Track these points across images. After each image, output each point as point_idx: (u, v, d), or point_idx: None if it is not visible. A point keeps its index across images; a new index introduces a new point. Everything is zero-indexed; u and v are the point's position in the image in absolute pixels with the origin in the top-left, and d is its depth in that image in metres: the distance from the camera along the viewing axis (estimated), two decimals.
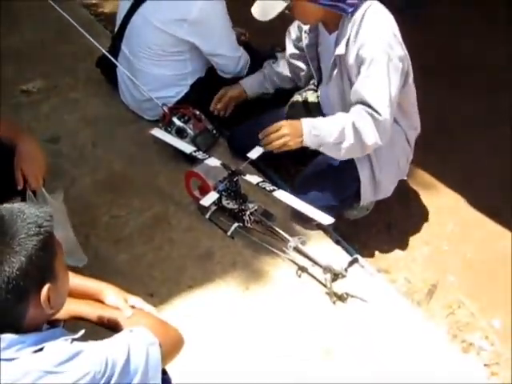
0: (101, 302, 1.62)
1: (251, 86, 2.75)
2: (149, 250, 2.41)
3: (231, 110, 2.81)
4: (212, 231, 2.45)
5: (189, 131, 2.67)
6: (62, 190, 2.33)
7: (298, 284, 2.27)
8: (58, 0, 3.99)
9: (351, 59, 2.20)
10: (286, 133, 2.22)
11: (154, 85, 2.83)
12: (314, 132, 2.21)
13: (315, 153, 2.48)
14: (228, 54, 2.79)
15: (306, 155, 2.52)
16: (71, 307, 1.51)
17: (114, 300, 1.62)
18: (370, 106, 2.17)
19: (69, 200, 2.53)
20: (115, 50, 2.95)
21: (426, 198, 2.85)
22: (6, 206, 1.28)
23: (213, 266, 2.35)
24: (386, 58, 2.13)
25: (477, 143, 3.08)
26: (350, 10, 2.15)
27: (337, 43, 2.23)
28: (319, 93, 2.56)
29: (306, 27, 2.41)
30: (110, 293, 1.66)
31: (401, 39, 2.21)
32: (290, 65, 2.67)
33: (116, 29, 2.97)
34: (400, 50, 2.18)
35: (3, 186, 1.96)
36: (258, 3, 2.24)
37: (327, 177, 2.43)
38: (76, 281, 1.58)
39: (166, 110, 2.72)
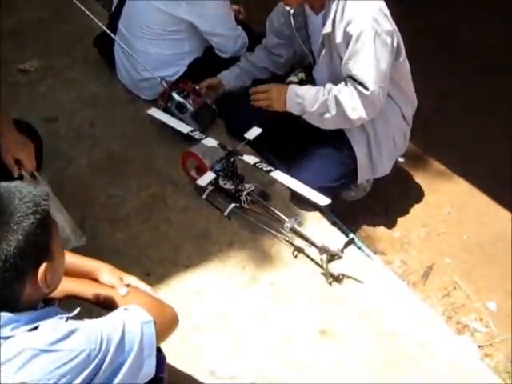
0: (96, 280, 1.62)
1: (229, 79, 2.73)
2: (145, 230, 2.40)
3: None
4: (209, 211, 2.45)
5: (188, 107, 2.64)
6: (45, 175, 2.28)
7: (294, 264, 2.28)
8: None
9: (339, 37, 2.19)
10: (273, 95, 2.36)
11: (151, 64, 2.80)
12: (297, 99, 2.32)
13: (312, 134, 2.50)
14: (226, 32, 2.77)
15: (303, 136, 2.52)
16: (66, 286, 1.50)
17: (110, 278, 1.62)
18: (356, 80, 2.20)
19: (66, 180, 2.55)
20: (112, 29, 2.93)
21: (423, 180, 2.86)
22: (3, 184, 1.27)
23: (209, 246, 2.35)
24: (373, 32, 2.13)
25: (476, 128, 3.08)
26: None
27: (324, 22, 2.23)
28: (314, 74, 2.54)
29: (293, 10, 2.37)
30: (106, 271, 1.66)
31: (389, 14, 2.20)
32: (270, 54, 2.66)
33: (113, 7, 2.96)
34: (388, 24, 2.17)
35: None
36: None
37: (324, 157, 2.43)
38: (72, 259, 1.57)
39: (166, 86, 2.69)
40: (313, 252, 2.24)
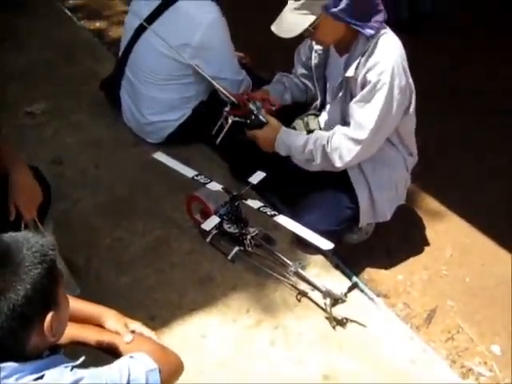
0: (101, 326, 1.64)
1: (274, 94, 2.66)
2: (150, 273, 2.42)
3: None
4: (213, 255, 2.47)
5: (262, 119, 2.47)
6: (51, 221, 2.32)
7: (298, 308, 2.29)
8: (65, 23, 4.11)
9: (357, 81, 2.25)
10: (260, 143, 2.46)
11: (157, 108, 2.87)
12: (285, 147, 2.41)
13: (315, 179, 2.54)
14: (230, 77, 2.81)
15: (306, 180, 2.56)
16: (71, 332, 1.52)
17: (114, 325, 1.63)
18: (354, 127, 2.26)
19: (71, 221, 2.58)
20: (119, 73, 2.99)
21: (425, 222, 2.88)
22: (11, 234, 1.30)
23: (213, 289, 2.37)
24: (388, 85, 2.18)
25: (476, 167, 3.12)
26: (370, 32, 2.19)
27: (347, 65, 2.28)
28: (322, 115, 2.58)
29: (317, 47, 2.45)
30: (110, 317, 1.67)
31: (407, 67, 2.26)
32: (298, 81, 2.70)
33: (120, 53, 3.02)
34: (404, 79, 2.23)
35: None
36: (281, 19, 2.25)
37: (327, 201, 2.47)
38: (76, 305, 1.59)
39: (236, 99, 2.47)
40: (316, 296, 2.25)
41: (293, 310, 2.28)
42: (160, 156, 2.53)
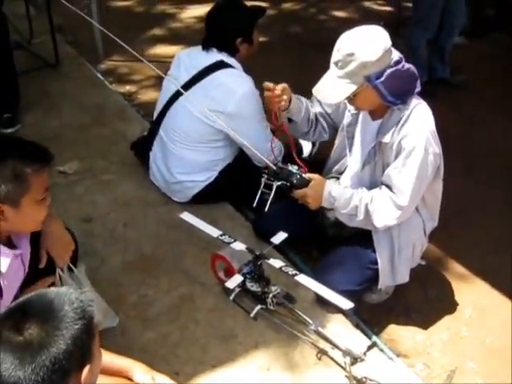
0: (129, 379, 1.69)
1: (293, 103, 2.63)
2: (174, 329, 2.47)
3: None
4: (235, 312, 2.52)
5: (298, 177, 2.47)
6: (83, 263, 2.43)
7: (318, 366, 2.32)
8: (96, 86, 4.30)
9: (392, 147, 2.34)
10: (309, 200, 2.43)
11: (186, 169, 2.99)
12: (331, 200, 2.43)
13: (336, 236, 2.61)
14: (259, 146, 2.86)
15: (327, 240, 2.64)
16: None
17: (142, 378, 1.69)
18: (395, 192, 2.33)
19: (99, 279, 2.64)
20: (153, 134, 3.13)
21: (444, 282, 2.91)
22: (54, 289, 1.37)
23: (235, 346, 2.41)
24: (423, 152, 2.28)
25: (495, 230, 3.18)
26: (403, 107, 2.31)
27: (381, 131, 2.38)
28: (344, 176, 2.65)
29: (350, 106, 2.53)
30: (139, 370, 1.74)
31: (437, 137, 2.35)
32: (317, 121, 2.76)
33: (156, 113, 3.14)
34: (437, 147, 2.33)
35: (35, 264, 2.08)
36: (323, 84, 2.35)
37: (348, 261, 2.53)
38: (106, 358, 1.64)
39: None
40: (336, 354, 2.28)
41: (313, 368, 2.31)
42: (186, 216, 2.62)
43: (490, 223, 3.24)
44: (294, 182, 2.41)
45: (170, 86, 3.01)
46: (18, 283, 2.01)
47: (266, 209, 2.44)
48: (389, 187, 2.37)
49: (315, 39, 5.27)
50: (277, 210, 2.56)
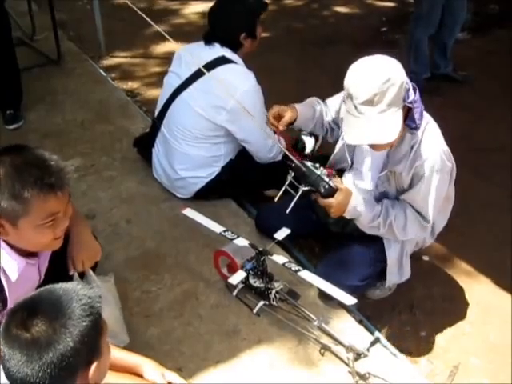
0: (139, 375, 1.70)
1: (301, 115, 2.59)
2: (178, 326, 2.48)
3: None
4: (239, 308, 2.53)
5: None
6: (112, 272, 2.48)
7: (321, 362, 2.32)
8: (99, 82, 4.30)
9: (407, 174, 2.30)
10: (333, 211, 2.34)
11: (188, 165, 2.99)
12: (356, 213, 2.37)
13: (339, 233, 2.61)
14: (260, 142, 2.92)
15: (330, 236, 2.63)
16: (111, 381, 1.58)
17: (152, 374, 1.70)
18: (419, 212, 2.36)
19: (102, 275, 2.64)
20: (155, 130, 3.13)
21: (447, 278, 2.91)
22: (62, 285, 1.37)
23: (239, 342, 2.41)
24: (439, 175, 2.28)
25: (499, 226, 3.18)
26: (415, 131, 2.23)
27: (392, 160, 2.31)
28: (348, 176, 2.59)
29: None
30: (149, 367, 1.74)
31: (449, 150, 2.34)
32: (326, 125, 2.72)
33: (158, 110, 3.15)
34: (450, 163, 2.32)
35: (57, 268, 2.04)
36: (362, 131, 2.11)
37: (350, 258, 2.54)
38: (116, 354, 1.65)
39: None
40: (340, 350, 2.29)
41: (316, 363, 2.32)
42: (189, 212, 2.62)
43: (494, 220, 3.24)
44: (322, 191, 2.29)
45: (172, 82, 3.02)
46: (29, 291, 1.97)
47: (288, 210, 2.33)
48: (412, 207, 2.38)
49: (318, 35, 5.26)
50: (280, 206, 2.56)
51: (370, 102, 2.06)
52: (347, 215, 2.38)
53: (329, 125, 2.69)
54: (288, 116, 2.51)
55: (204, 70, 2.51)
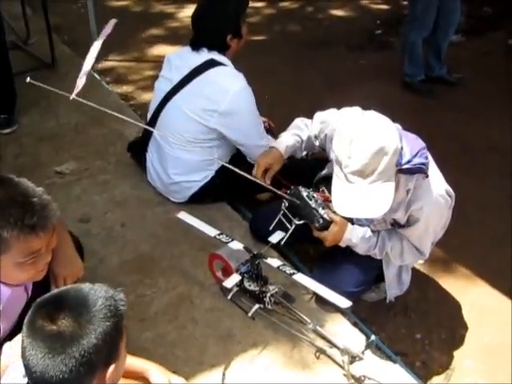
0: (145, 380, 1.70)
1: (286, 149, 2.59)
2: (172, 329, 2.47)
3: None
4: (233, 312, 2.52)
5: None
6: None
7: (316, 365, 2.32)
8: (93, 86, 4.29)
9: (402, 215, 2.27)
10: (328, 242, 2.36)
11: (181, 169, 2.98)
12: (350, 244, 2.39)
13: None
14: (253, 143, 2.92)
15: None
16: None
17: (159, 379, 1.70)
18: (416, 247, 2.39)
19: (97, 279, 2.59)
20: (147, 135, 3.13)
21: (442, 280, 2.92)
22: (88, 285, 1.41)
23: (234, 345, 2.41)
24: (436, 217, 2.30)
25: (492, 228, 3.19)
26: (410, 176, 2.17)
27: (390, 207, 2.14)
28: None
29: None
30: (156, 372, 1.75)
31: (444, 180, 2.31)
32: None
33: (149, 115, 3.15)
34: (449, 201, 2.30)
35: (44, 284, 2.01)
36: (354, 202, 2.06)
37: (346, 264, 2.53)
38: None
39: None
40: (335, 353, 2.29)
41: (311, 367, 2.31)
42: (183, 215, 2.62)
43: (490, 221, 3.25)
44: (317, 225, 2.26)
45: (163, 86, 3.01)
46: (19, 311, 1.95)
47: (282, 242, 2.35)
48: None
49: (313, 38, 5.27)
50: (274, 209, 2.56)
51: (361, 173, 2.01)
52: (342, 245, 2.40)
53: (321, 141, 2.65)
54: (274, 170, 2.57)
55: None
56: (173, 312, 2.55)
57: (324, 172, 2.55)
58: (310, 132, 2.61)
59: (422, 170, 2.12)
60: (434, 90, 4.41)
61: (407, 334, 2.65)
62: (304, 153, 2.72)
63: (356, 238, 2.37)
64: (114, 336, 1.35)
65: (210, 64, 2.86)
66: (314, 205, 2.27)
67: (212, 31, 2.87)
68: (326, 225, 2.29)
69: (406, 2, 5.36)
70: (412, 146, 2.11)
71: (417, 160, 2.09)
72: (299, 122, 2.67)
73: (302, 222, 2.28)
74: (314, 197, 2.28)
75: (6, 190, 1.68)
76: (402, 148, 2.06)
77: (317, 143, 2.60)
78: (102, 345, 1.31)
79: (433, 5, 4.24)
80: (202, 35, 2.89)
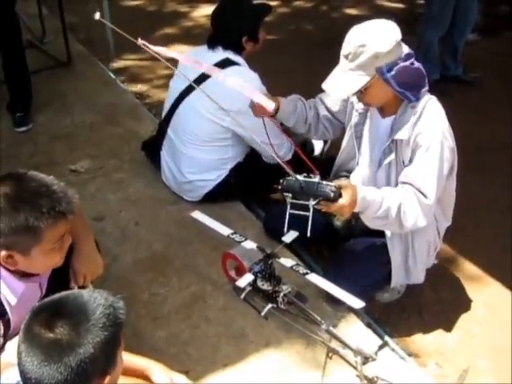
0: (147, 379, 1.70)
1: (283, 107, 2.65)
2: (185, 328, 2.48)
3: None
4: (246, 311, 2.52)
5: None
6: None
7: (329, 366, 2.31)
8: (108, 85, 4.32)
9: (408, 144, 2.31)
10: (346, 210, 2.24)
11: (195, 168, 2.99)
12: (365, 203, 2.25)
13: (347, 236, 2.60)
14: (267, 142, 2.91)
15: (338, 239, 2.63)
16: None
17: (161, 378, 1.70)
18: (419, 190, 2.29)
19: (110, 277, 2.65)
20: (162, 133, 3.14)
21: (456, 282, 2.90)
22: (88, 291, 1.39)
23: (246, 345, 2.41)
24: (440, 147, 2.26)
25: (504, 228, 3.16)
26: (414, 99, 2.29)
27: (395, 128, 2.34)
28: (354, 174, 2.62)
29: (358, 106, 2.52)
30: (158, 371, 1.75)
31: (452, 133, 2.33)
32: (318, 121, 2.75)
33: (164, 113, 3.16)
34: (452, 142, 2.32)
35: (57, 281, 2.02)
36: (333, 78, 2.30)
37: (359, 262, 2.52)
38: (124, 357, 1.65)
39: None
40: (348, 354, 2.28)
41: (324, 367, 2.30)
42: (197, 214, 2.62)
43: (502, 221, 3.22)
44: (332, 195, 2.16)
45: (177, 85, 3.03)
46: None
47: (308, 234, 2.21)
48: (413, 187, 2.31)
49: (327, 37, 5.25)
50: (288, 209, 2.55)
51: (346, 57, 2.26)
52: (357, 208, 2.27)
53: (316, 119, 2.73)
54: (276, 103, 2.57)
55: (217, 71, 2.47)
56: (186, 311, 2.56)
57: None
58: (304, 104, 2.73)
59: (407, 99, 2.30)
60: (450, 89, 4.38)
61: (420, 335, 2.63)
62: (294, 120, 2.71)
63: (370, 195, 2.26)
64: (111, 345, 1.33)
65: (226, 63, 2.87)
66: (317, 180, 2.21)
67: (227, 31, 2.90)
68: (339, 192, 2.21)
69: (421, 1, 5.33)
70: (411, 79, 2.27)
71: (407, 93, 2.27)
72: (295, 96, 2.77)
73: (316, 201, 2.18)
74: (310, 176, 2.24)
75: (27, 184, 1.74)
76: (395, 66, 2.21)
77: (320, 112, 2.71)
78: (99, 355, 1.29)
79: (449, 4, 4.21)
80: (218, 33, 2.92)
